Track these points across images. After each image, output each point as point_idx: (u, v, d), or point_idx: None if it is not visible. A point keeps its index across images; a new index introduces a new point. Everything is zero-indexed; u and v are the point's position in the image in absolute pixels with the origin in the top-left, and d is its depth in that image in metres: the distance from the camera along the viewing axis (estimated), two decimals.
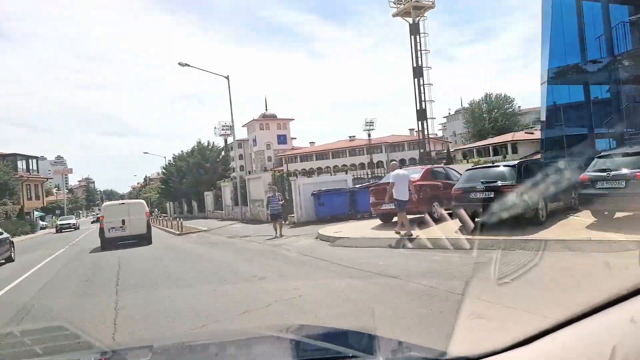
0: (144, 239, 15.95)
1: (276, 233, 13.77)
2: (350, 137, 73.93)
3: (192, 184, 38.06)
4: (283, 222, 14.87)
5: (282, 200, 14.66)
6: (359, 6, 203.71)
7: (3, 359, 4.01)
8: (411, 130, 72.88)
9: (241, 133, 79.63)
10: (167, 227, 25.92)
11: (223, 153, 41.65)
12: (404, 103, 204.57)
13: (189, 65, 21.67)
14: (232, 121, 24.86)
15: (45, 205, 58.50)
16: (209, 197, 36.23)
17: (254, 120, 77.11)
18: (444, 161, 40.63)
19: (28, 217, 47.68)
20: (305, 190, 17.50)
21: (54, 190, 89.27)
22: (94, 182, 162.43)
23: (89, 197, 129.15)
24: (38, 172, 49.99)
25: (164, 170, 49.96)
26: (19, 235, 35.00)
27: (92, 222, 56.31)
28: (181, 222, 22.91)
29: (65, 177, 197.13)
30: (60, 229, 39.84)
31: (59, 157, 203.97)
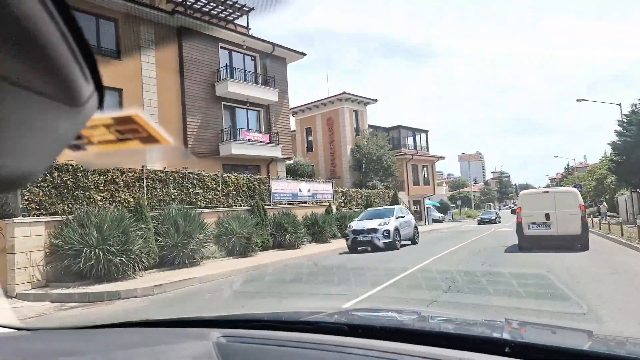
0: (578, 242, 12.09)
1: None
2: None
3: None
4: None
5: None
6: None
7: None
8: None
9: None
10: None
11: None
12: None
13: None
14: None
15: (449, 193, 49.39)
16: None
17: None
18: None
19: (416, 206, 38.54)
20: None
21: (471, 183, 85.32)
22: (508, 176, 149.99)
23: (501, 190, 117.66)
24: (428, 150, 40.00)
25: (617, 134, 26.88)
26: None
27: (478, 223, 37.30)
28: None
29: (482, 169, 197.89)
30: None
31: (478, 152, 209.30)
